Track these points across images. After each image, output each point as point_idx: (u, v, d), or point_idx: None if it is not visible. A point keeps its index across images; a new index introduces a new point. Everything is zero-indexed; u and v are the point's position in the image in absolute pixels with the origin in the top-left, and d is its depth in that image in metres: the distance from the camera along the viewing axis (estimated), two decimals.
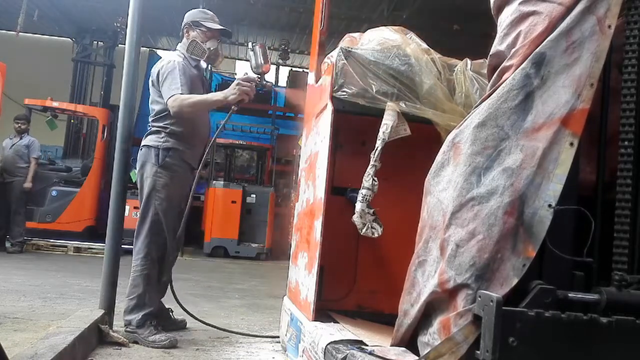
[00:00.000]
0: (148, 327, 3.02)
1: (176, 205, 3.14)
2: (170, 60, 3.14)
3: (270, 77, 13.30)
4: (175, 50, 3.33)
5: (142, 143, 3.13)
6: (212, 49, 3.26)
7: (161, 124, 3.09)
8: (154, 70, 3.16)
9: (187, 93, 3.02)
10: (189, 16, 3.32)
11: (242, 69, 14.13)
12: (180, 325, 3.38)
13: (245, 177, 10.28)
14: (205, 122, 3.32)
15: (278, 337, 3.18)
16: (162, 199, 3.04)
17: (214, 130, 3.79)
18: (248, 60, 3.17)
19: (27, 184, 7.01)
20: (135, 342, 2.99)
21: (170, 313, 3.39)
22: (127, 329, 3.05)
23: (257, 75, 3.09)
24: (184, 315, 3.56)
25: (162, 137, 3.07)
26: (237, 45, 12.51)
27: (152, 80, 3.16)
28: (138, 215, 3.12)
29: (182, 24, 3.32)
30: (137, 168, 3.12)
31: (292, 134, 10.61)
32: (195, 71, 3.25)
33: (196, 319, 3.30)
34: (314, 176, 2.66)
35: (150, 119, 3.18)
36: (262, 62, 3.08)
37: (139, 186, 3.13)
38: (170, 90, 3.00)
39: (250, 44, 3.19)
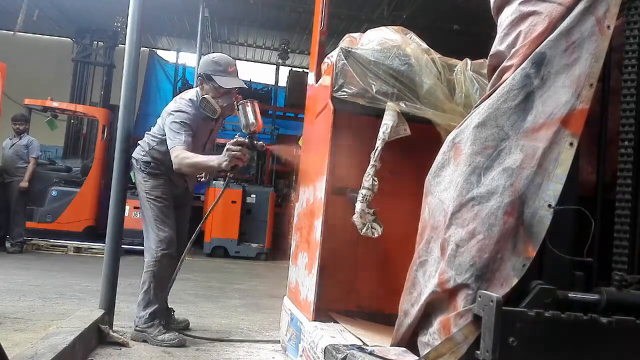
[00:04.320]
0: (157, 327, 3.05)
1: (171, 203, 3.21)
2: (182, 110, 3.11)
3: (270, 77, 13.34)
4: (193, 89, 3.32)
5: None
6: (224, 105, 3.19)
7: (147, 141, 3.25)
8: (167, 108, 3.20)
9: (188, 145, 3.02)
10: (202, 66, 3.22)
11: (242, 69, 14.13)
12: (182, 326, 3.38)
13: (245, 177, 10.28)
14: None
15: (278, 341, 3.18)
16: (153, 199, 3.15)
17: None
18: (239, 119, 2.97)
19: (23, 184, 6.99)
20: (145, 341, 3.01)
21: (172, 313, 3.40)
22: (136, 328, 3.06)
23: (247, 137, 2.93)
24: (185, 315, 3.57)
25: (143, 152, 3.23)
26: (237, 45, 12.52)
27: (163, 113, 3.22)
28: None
29: (197, 71, 3.28)
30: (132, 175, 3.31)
31: (292, 134, 10.62)
32: (204, 122, 3.23)
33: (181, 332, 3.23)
34: (314, 176, 2.66)
35: (148, 132, 3.31)
36: (253, 121, 2.91)
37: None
38: (174, 141, 3.03)
39: (236, 103, 3.01)
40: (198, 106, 3.17)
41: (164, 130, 3.15)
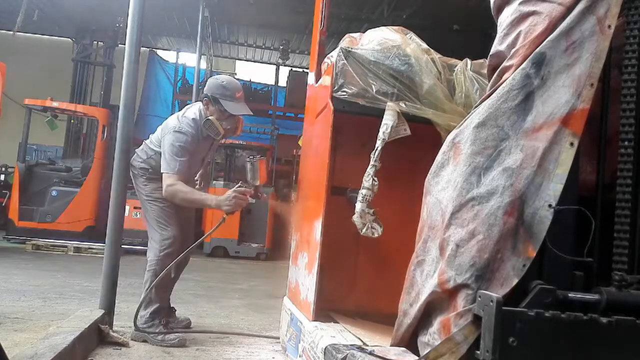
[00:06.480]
0: (157, 327, 3.06)
1: (172, 204, 3.19)
2: (182, 131, 3.11)
3: (270, 77, 13.35)
4: (196, 105, 3.31)
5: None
6: (228, 128, 3.24)
7: (145, 150, 3.27)
8: (168, 123, 3.22)
9: (182, 174, 3.07)
10: (209, 88, 3.23)
11: (242, 69, 14.15)
12: (183, 325, 3.38)
13: (245, 177, 10.27)
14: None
15: (278, 337, 3.18)
16: (154, 201, 3.18)
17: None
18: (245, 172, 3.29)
19: None
20: (145, 341, 3.01)
21: (174, 311, 3.40)
22: (136, 328, 3.06)
23: (253, 188, 3.15)
24: (185, 315, 3.56)
25: (140, 160, 3.26)
26: (237, 45, 12.51)
27: (163, 127, 3.23)
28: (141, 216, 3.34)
29: (203, 90, 3.30)
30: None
31: (292, 134, 10.63)
32: (204, 140, 3.26)
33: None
34: (314, 176, 2.66)
35: (146, 141, 3.32)
36: (258, 176, 3.17)
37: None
38: (169, 166, 3.07)
39: (249, 157, 3.24)
40: (200, 125, 3.17)
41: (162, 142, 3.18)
